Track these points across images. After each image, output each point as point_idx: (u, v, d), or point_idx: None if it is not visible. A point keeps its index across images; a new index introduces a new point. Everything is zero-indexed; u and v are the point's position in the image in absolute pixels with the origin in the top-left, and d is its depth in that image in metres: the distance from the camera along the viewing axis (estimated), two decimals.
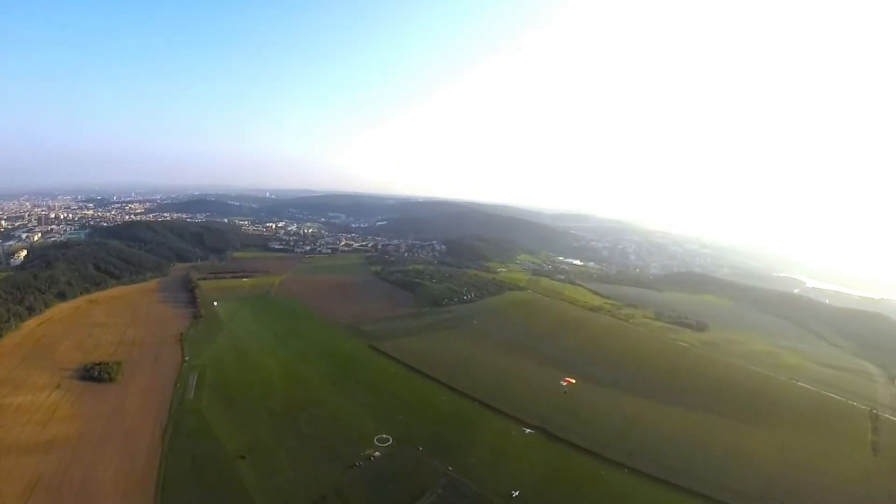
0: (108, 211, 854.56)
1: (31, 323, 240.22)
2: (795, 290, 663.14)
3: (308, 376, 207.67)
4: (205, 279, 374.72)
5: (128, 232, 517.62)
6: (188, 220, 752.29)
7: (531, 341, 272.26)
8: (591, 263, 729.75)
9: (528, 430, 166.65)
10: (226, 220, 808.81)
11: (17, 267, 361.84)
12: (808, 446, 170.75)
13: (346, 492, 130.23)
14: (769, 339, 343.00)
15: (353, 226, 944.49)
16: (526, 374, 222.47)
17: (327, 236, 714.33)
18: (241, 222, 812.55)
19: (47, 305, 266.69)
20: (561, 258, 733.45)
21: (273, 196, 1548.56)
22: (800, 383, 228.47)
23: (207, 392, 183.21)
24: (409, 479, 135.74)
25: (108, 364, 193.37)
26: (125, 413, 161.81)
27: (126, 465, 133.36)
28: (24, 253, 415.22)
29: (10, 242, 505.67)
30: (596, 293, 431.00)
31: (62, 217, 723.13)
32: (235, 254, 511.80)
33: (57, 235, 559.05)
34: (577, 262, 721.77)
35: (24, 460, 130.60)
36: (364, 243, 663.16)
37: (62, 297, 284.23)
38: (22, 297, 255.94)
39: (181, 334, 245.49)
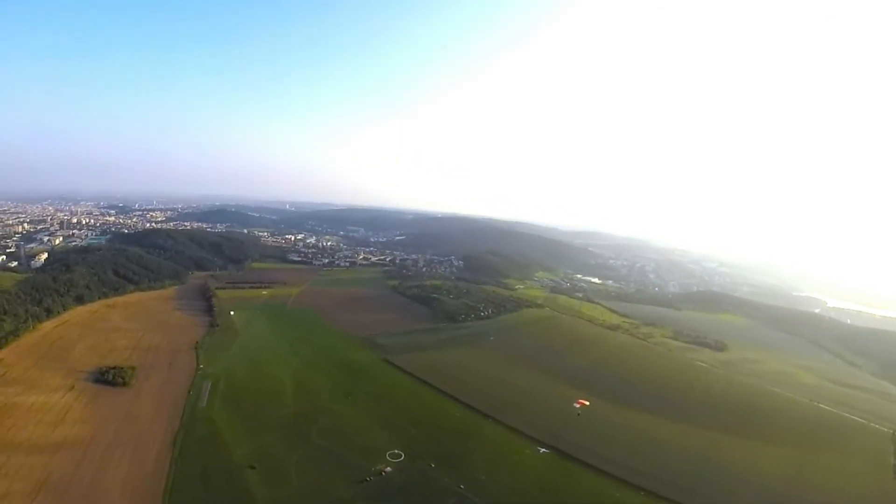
0: (130, 218, 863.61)
1: (48, 325, 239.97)
2: (816, 310, 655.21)
3: (320, 387, 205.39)
4: (223, 288, 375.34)
5: (148, 239, 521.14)
6: (208, 229, 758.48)
7: (547, 358, 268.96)
8: (610, 281, 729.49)
9: (543, 450, 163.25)
10: (245, 231, 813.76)
11: (37, 269, 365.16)
12: (826, 467, 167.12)
13: None
14: (787, 358, 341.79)
15: (372, 240, 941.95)
16: (541, 391, 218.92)
17: (345, 249, 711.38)
18: (261, 233, 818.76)
19: (65, 308, 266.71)
20: (579, 276, 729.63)
21: (293, 208, 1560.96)
22: (818, 404, 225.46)
23: (220, 400, 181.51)
24: (420, 496, 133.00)
25: (122, 368, 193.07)
26: (137, 417, 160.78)
27: (135, 469, 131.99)
28: (45, 256, 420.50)
29: (32, 245, 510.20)
30: (614, 311, 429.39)
31: (84, 222, 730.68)
32: (253, 264, 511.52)
33: (78, 240, 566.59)
34: (596, 279, 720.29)
35: (33, 459, 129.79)
36: (382, 257, 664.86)
37: (80, 300, 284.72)
38: (40, 298, 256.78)
39: (196, 342, 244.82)
